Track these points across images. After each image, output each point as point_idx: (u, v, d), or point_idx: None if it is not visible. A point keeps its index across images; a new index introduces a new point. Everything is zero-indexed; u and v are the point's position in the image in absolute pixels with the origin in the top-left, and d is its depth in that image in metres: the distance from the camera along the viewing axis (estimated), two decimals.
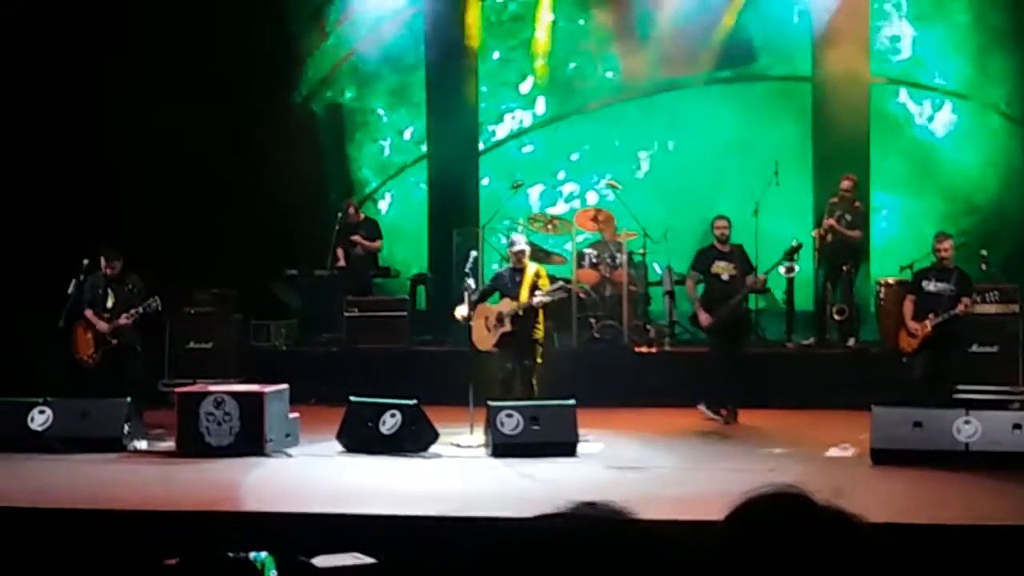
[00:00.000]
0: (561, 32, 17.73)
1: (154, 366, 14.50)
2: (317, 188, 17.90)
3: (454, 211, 17.11)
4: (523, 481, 10.26)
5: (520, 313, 12.21)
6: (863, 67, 16.52)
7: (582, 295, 15.13)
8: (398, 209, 18.29)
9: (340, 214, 16.08)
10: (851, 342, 14.78)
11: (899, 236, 16.16)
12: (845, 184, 14.93)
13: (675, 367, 14.50)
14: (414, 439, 11.35)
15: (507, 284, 12.42)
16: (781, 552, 1.74)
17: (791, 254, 13.59)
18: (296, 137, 17.85)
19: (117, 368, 12.83)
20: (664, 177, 17.32)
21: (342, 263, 15.98)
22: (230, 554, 3.24)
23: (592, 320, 15.12)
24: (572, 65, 17.88)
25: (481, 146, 18.06)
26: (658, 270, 15.64)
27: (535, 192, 17.73)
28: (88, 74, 15.57)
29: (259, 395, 11.52)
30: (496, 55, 18.02)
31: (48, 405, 11.82)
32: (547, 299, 12.18)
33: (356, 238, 15.99)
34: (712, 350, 13.29)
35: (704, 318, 12.99)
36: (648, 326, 15.30)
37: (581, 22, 17.85)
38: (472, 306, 12.26)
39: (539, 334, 12.43)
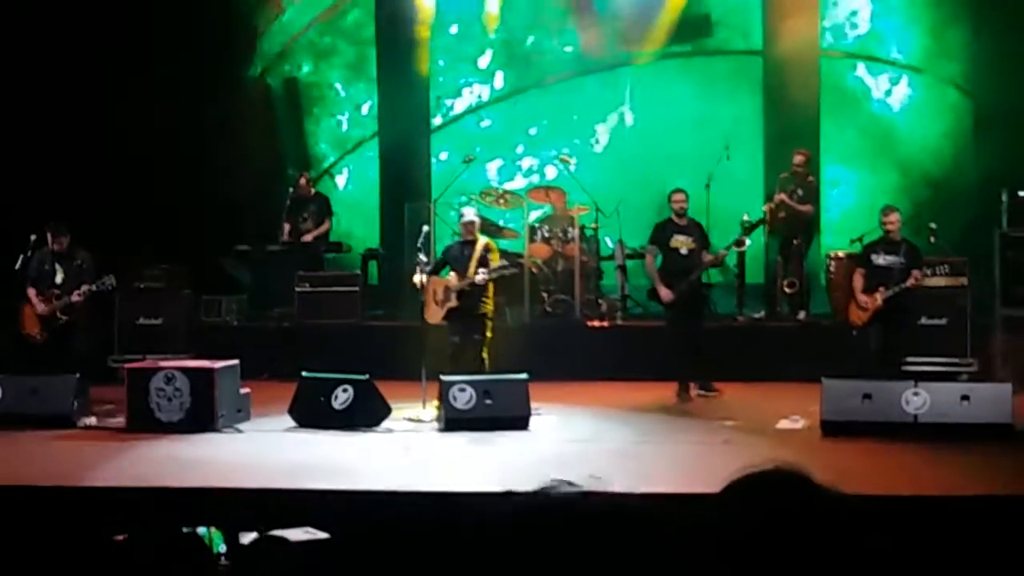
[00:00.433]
0: (519, 6, 17.68)
1: (103, 342, 14.41)
2: (273, 163, 17.81)
3: (406, 186, 17.07)
4: (476, 455, 10.27)
5: (466, 288, 12.19)
6: (813, 41, 16.58)
7: (534, 269, 15.14)
8: (356, 184, 18.25)
9: (291, 188, 16.01)
10: (802, 315, 14.86)
11: (855, 209, 16.23)
12: (797, 159, 15.01)
13: (627, 341, 14.53)
14: (366, 414, 11.34)
15: (457, 257, 12.40)
16: (777, 529, 1.74)
17: (750, 230, 13.61)
18: (252, 112, 17.79)
19: (64, 345, 12.72)
20: (622, 151, 17.37)
21: (286, 237, 15.91)
22: (178, 530, 3.22)
23: (544, 294, 15.14)
24: (530, 39, 17.85)
25: (439, 120, 18.03)
26: (610, 244, 15.66)
27: (493, 167, 17.72)
28: (39, 49, 15.37)
29: (210, 371, 11.45)
30: (454, 29, 17.94)
31: None
32: (489, 277, 12.14)
33: (306, 227, 15.92)
34: (669, 325, 13.17)
35: (665, 294, 12.88)
36: (600, 300, 15.33)
37: None
38: (428, 275, 12.27)
39: (487, 308, 12.42)
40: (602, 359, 14.21)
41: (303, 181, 16.16)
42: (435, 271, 12.42)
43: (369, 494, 8.69)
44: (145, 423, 11.24)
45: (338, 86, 18.38)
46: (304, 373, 11.86)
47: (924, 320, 13.51)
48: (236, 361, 11.93)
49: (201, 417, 11.25)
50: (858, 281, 12.26)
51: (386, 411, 11.40)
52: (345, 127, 18.40)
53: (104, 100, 15.46)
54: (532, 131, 17.90)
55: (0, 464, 9.94)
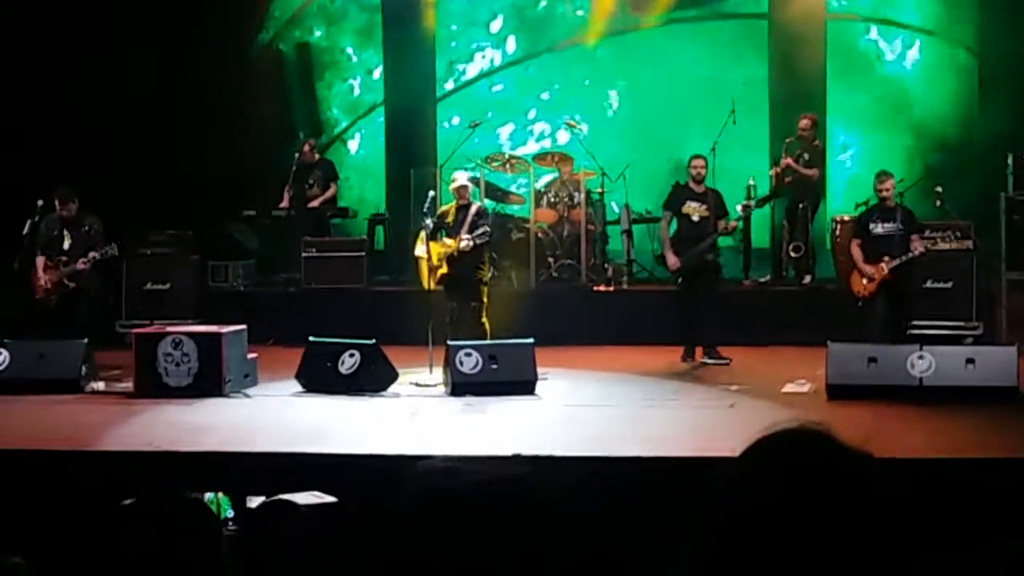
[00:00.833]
0: None
1: (111, 307, 14.43)
2: (284, 128, 17.78)
3: (413, 151, 17.04)
4: (482, 419, 10.28)
5: (455, 254, 12.15)
6: (819, 4, 16.50)
7: (540, 234, 15.12)
8: (367, 148, 18.23)
9: (297, 154, 15.99)
10: (807, 279, 14.84)
11: (864, 174, 16.15)
12: (804, 123, 14.94)
13: (633, 306, 14.55)
14: (373, 379, 11.33)
15: (448, 224, 12.35)
16: (801, 487, 1.73)
17: (761, 203, 13.58)
18: (263, 77, 17.77)
19: (71, 311, 12.73)
20: (634, 115, 17.33)
21: (284, 204, 15.89)
22: (185, 495, 3.21)
23: (550, 259, 15.11)
24: (542, 4, 17.78)
25: (451, 85, 17.97)
26: (616, 209, 15.62)
27: (505, 131, 17.69)
28: (48, 15, 15.32)
29: (217, 336, 11.46)
30: None
31: (5, 347, 11.74)
32: (471, 243, 12.08)
33: (312, 194, 15.90)
34: (678, 290, 13.09)
35: (672, 261, 12.77)
36: (606, 265, 15.31)
37: None
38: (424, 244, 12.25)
39: (483, 274, 12.42)
40: (608, 324, 14.22)
41: (306, 148, 16.12)
42: (431, 237, 12.37)
43: (376, 458, 8.69)
44: (153, 388, 11.25)
45: (350, 51, 18.33)
46: (311, 338, 11.86)
47: (930, 283, 13.49)
48: (243, 326, 11.93)
49: (209, 382, 11.26)
50: (857, 252, 12.09)
51: (393, 376, 11.41)
52: (357, 92, 18.36)
53: (113, 66, 15.43)
54: (544, 96, 17.85)
55: (9, 429, 9.96)
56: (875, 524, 1.71)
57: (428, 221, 12.25)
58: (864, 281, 11.96)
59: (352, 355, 11.45)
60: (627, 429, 9.71)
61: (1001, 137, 14.45)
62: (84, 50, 15.28)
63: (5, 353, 11.69)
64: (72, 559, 2.96)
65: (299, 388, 11.55)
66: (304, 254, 15.30)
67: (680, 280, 12.97)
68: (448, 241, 12.21)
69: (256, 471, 8.39)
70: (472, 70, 18.08)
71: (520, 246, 15.12)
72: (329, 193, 16.09)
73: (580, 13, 17.62)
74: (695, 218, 12.78)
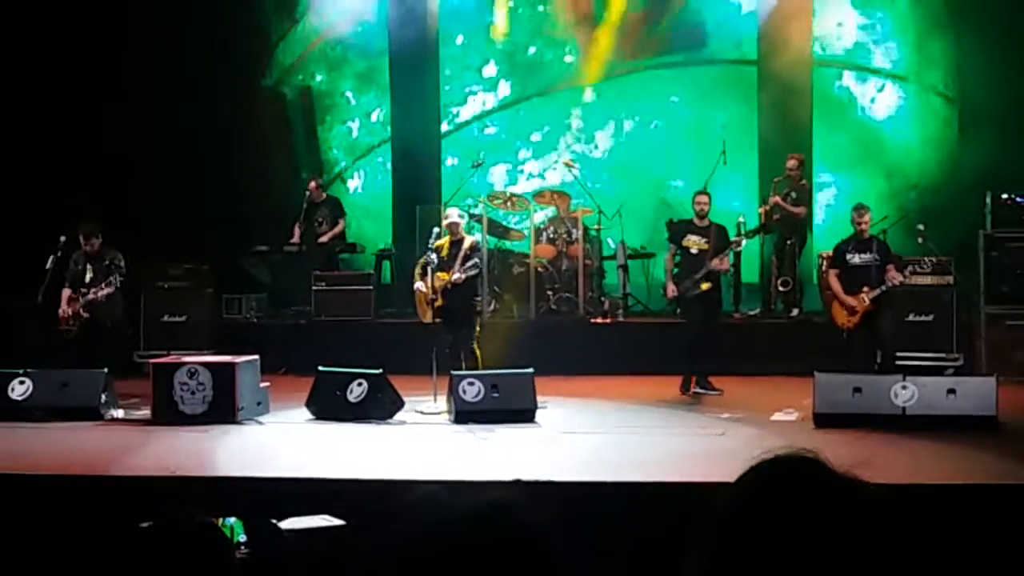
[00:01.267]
0: (522, 18, 17.70)
1: (129, 338, 14.43)
2: (289, 168, 17.83)
3: (418, 189, 17.08)
4: (484, 446, 10.25)
5: (448, 287, 12.14)
6: (806, 52, 16.57)
7: (540, 269, 15.14)
8: (367, 187, 18.28)
9: (306, 192, 16.05)
10: (795, 312, 14.84)
11: (845, 212, 16.17)
12: (791, 163, 15.00)
13: (628, 337, 14.55)
14: (380, 407, 11.31)
15: (443, 258, 12.31)
16: (793, 514, 1.71)
17: (751, 235, 13.58)
18: (268, 119, 17.83)
19: (90, 341, 12.70)
20: (622, 156, 17.37)
21: (295, 239, 15.92)
22: (200, 519, 3.19)
23: (549, 292, 15.13)
24: (533, 49, 17.84)
25: (446, 127, 18.02)
26: (612, 245, 15.64)
27: (498, 171, 17.71)
28: (68, 62, 15.40)
29: (231, 365, 11.44)
30: (460, 39, 17.96)
31: (28, 376, 11.72)
32: (463, 276, 12.08)
33: (322, 230, 15.93)
34: (679, 322, 13.00)
35: (670, 290, 12.67)
36: (603, 298, 15.32)
37: (541, 8, 17.79)
38: (424, 279, 12.23)
39: (476, 305, 12.47)
40: (604, 354, 14.22)
41: (313, 185, 16.17)
42: (424, 271, 12.33)
43: (383, 483, 8.66)
44: (169, 415, 11.23)
45: (349, 94, 18.39)
46: (321, 368, 11.84)
47: (912, 316, 13.51)
48: (256, 356, 11.92)
49: (222, 409, 11.24)
50: (835, 283, 12.04)
51: (399, 404, 11.38)
52: (355, 134, 18.42)
53: (131, 108, 15.47)
54: (535, 137, 17.89)
55: (31, 454, 9.94)
56: (867, 546, 1.70)
57: (433, 256, 12.25)
58: (846, 314, 11.92)
59: (360, 384, 11.43)
60: (623, 455, 9.68)
61: (979, 177, 14.46)
62: (109, 99, 15.33)
63: (28, 382, 11.67)
64: None
65: (309, 415, 11.53)
66: (314, 287, 15.33)
67: (678, 311, 12.92)
68: (441, 275, 12.19)
69: (268, 495, 8.37)
70: (466, 112, 18.14)
71: (520, 280, 15.14)
72: (337, 229, 16.13)
73: (569, 59, 17.69)
74: (694, 251, 12.66)
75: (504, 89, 18.03)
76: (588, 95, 17.65)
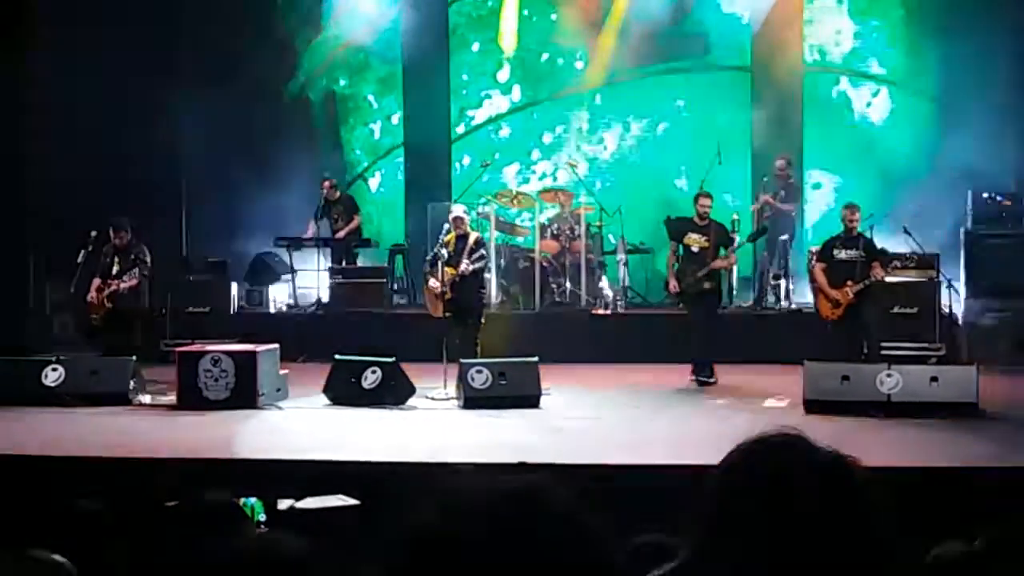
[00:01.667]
0: (534, 26, 17.73)
1: (156, 328, 14.46)
2: (312, 167, 17.84)
3: (430, 188, 17.09)
4: (491, 430, 10.25)
5: (457, 280, 12.11)
6: (797, 58, 16.55)
7: (544, 263, 15.15)
8: (386, 186, 18.31)
9: (322, 191, 16.08)
10: (786, 304, 14.83)
11: (836, 210, 16.15)
12: (779, 163, 15.06)
13: (628, 328, 14.56)
14: (393, 393, 11.32)
15: (450, 252, 12.25)
16: (780, 491, 1.72)
17: (754, 237, 13.59)
18: (294, 121, 17.89)
19: (115, 331, 12.69)
20: (625, 156, 17.38)
21: (309, 235, 15.93)
22: (222, 498, 3.21)
23: (554, 286, 15.14)
24: (545, 56, 17.86)
25: (462, 129, 18.05)
26: (613, 240, 15.64)
27: (511, 171, 17.72)
28: (115, 66, 15.38)
29: (252, 354, 11.46)
30: (476, 46, 17.99)
31: (60, 363, 11.74)
32: (470, 267, 12.03)
33: (338, 227, 15.95)
34: (687, 316, 12.85)
35: (672, 286, 12.56)
36: (604, 291, 15.32)
37: (553, 17, 17.79)
38: (434, 274, 12.19)
39: (483, 297, 12.46)
40: (605, 344, 14.23)
41: (327, 185, 16.18)
42: (433, 265, 12.28)
43: (395, 465, 8.68)
44: (194, 401, 11.25)
45: (371, 98, 18.42)
46: (337, 356, 11.85)
47: (897, 309, 13.50)
48: (276, 345, 11.94)
49: (244, 396, 11.26)
50: (821, 276, 12.00)
51: (411, 390, 11.39)
52: (377, 135, 18.44)
53: (168, 112, 15.48)
54: (546, 138, 17.90)
55: (63, 438, 9.97)
56: (850, 510, 1.70)
57: (444, 251, 12.24)
58: (830, 306, 11.90)
59: (374, 371, 11.44)
60: (621, 439, 9.69)
61: (961, 178, 14.45)
62: (145, 99, 15.33)
63: (61, 369, 11.69)
64: (119, 555, 2.95)
65: (326, 401, 11.54)
66: (331, 280, 15.35)
67: (680, 304, 12.88)
68: (449, 270, 12.15)
69: (286, 476, 8.38)
70: (481, 115, 18.14)
71: (526, 273, 15.15)
72: (353, 225, 16.15)
73: (579, 65, 17.70)
74: (695, 249, 12.54)
75: (517, 93, 18.05)
76: (597, 99, 17.65)
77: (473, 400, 11.12)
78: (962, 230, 13.97)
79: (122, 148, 15.52)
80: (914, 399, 10.41)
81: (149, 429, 10.40)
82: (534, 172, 17.85)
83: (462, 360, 11.44)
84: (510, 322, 14.04)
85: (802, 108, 16.50)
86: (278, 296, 16.07)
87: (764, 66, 16.50)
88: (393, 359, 11.50)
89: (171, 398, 11.59)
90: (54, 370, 11.69)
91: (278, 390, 11.64)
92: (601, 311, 14.90)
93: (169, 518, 2.94)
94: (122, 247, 12.82)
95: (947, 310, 13.70)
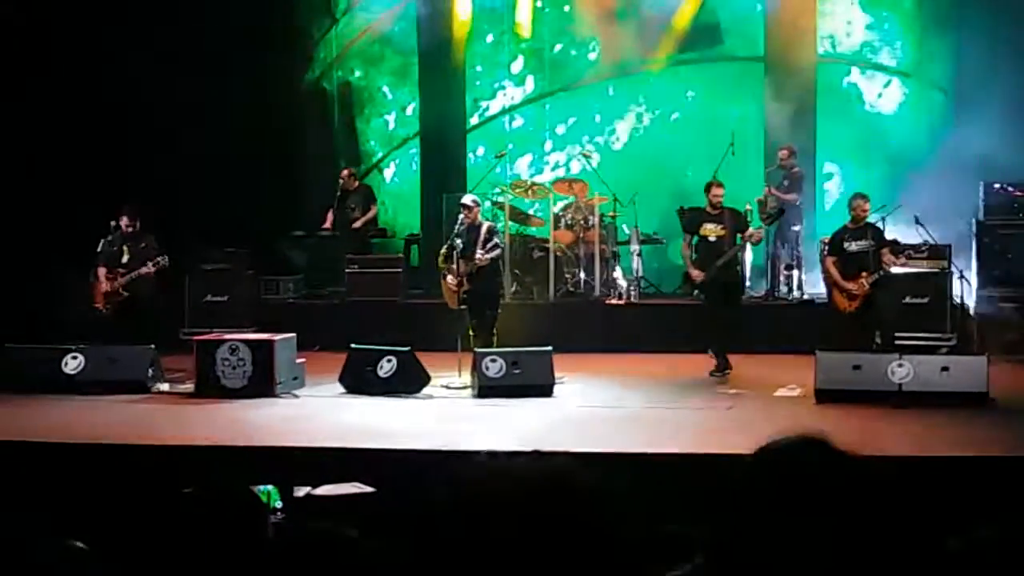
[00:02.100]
0: (548, 17, 17.69)
1: (175, 317, 14.49)
2: (328, 158, 17.86)
3: (445, 178, 17.07)
4: (505, 419, 10.26)
5: (473, 271, 12.06)
6: (811, 49, 16.48)
7: (559, 253, 15.13)
8: (401, 176, 18.30)
9: (340, 181, 16.09)
10: (798, 294, 14.80)
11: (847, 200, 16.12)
12: (782, 153, 15.11)
13: (641, 318, 14.53)
14: (408, 382, 11.34)
15: (463, 243, 12.17)
16: (802, 492, 1.72)
17: (772, 220, 13.57)
18: (310, 112, 17.93)
19: (126, 319, 12.66)
20: (640, 146, 17.33)
21: (327, 225, 15.94)
22: (239, 485, 3.21)
23: (568, 275, 15.13)
24: (558, 47, 17.83)
25: (476, 120, 18.03)
26: (626, 231, 15.61)
27: (524, 161, 17.70)
28: (133, 58, 15.38)
29: (269, 342, 11.48)
30: (490, 38, 17.95)
31: (80, 352, 11.79)
32: (487, 257, 11.98)
33: (354, 216, 15.95)
34: (704, 305, 12.71)
35: (696, 274, 12.36)
36: (617, 281, 15.29)
37: (566, 8, 17.74)
38: (450, 268, 12.15)
39: (499, 288, 12.44)
40: (618, 333, 14.21)
41: (345, 174, 16.20)
42: (449, 256, 12.23)
43: (410, 452, 8.69)
44: (212, 389, 11.29)
45: (386, 89, 18.41)
46: (353, 345, 11.87)
47: (908, 299, 13.46)
48: (292, 334, 11.97)
49: (261, 384, 11.29)
50: (833, 270, 11.90)
51: (426, 379, 11.41)
52: (392, 126, 18.44)
53: (184, 103, 15.49)
54: (559, 129, 17.87)
55: (83, 425, 10.01)
56: (867, 514, 1.70)
57: (458, 241, 12.22)
58: (846, 298, 11.84)
59: (389, 360, 11.45)
60: (635, 428, 9.69)
61: (973, 168, 14.39)
62: (160, 89, 15.34)
63: (81, 357, 11.73)
64: (135, 541, 2.95)
65: (342, 390, 11.56)
66: (347, 270, 15.37)
67: (699, 294, 12.64)
68: (462, 262, 12.06)
69: (302, 464, 8.40)
70: (495, 106, 18.12)
71: (540, 264, 15.14)
72: (370, 214, 16.17)
73: (592, 56, 17.66)
74: (712, 238, 12.39)
75: (531, 84, 18.02)
76: (610, 90, 17.60)
77: (487, 389, 11.13)
78: (974, 220, 13.91)
79: (144, 138, 15.55)
80: (925, 389, 10.38)
81: (167, 416, 10.45)
82: (547, 163, 17.83)
83: (476, 349, 11.45)
84: (524, 312, 14.01)
85: (815, 99, 16.42)
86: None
87: (777, 57, 16.44)
88: (408, 348, 11.51)
89: (189, 386, 11.63)
90: (74, 358, 11.74)
91: (295, 379, 11.66)
92: (615, 301, 14.88)
93: (186, 504, 2.94)
94: (130, 235, 12.77)
95: (959, 300, 13.65)
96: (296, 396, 11.38)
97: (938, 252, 13.64)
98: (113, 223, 12.84)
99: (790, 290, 14.89)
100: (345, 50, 18.27)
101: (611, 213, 15.44)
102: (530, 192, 15.66)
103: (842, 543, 1.69)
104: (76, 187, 14.84)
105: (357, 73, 18.42)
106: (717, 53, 17.18)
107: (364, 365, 11.56)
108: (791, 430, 1.87)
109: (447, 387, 11.53)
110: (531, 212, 15.98)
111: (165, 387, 11.79)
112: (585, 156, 16.13)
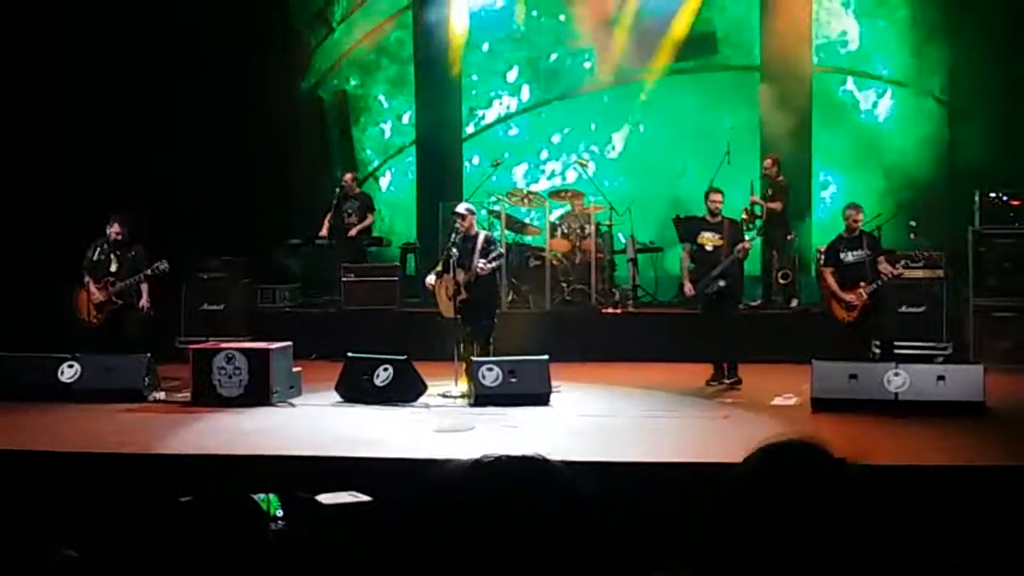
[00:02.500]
0: (544, 27, 17.72)
1: (171, 326, 14.47)
2: (323, 166, 17.86)
3: (441, 187, 17.10)
4: (502, 427, 10.25)
5: (472, 280, 12.01)
6: (805, 58, 16.52)
7: (555, 262, 15.14)
8: (396, 185, 18.33)
9: (340, 187, 16.05)
10: (794, 303, 14.82)
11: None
12: (767, 163, 15.22)
13: (637, 326, 14.55)
14: (405, 390, 11.34)
15: (460, 253, 12.02)
16: (794, 496, 1.73)
17: (758, 226, 13.63)
18: (305, 120, 17.94)
19: (118, 328, 12.59)
20: (634, 156, 17.35)
21: (323, 232, 15.91)
22: (237, 493, 3.21)
23: (564, 284, 15.14)
24: (554, 56, 17.86)
25: (472, 128, 18.05)
26: (623, 239, 15.63)
27: (520, 170, 17.72)
28: (128, 70, 15.37)
29: (265, 351, 11.48)
30: (485, 47, 17.98)
31: (76, 360, 11.78)
32: (489, 266, 11.88)
33: (350, 222, 15.93)
34: (701, 314, 12.70)
35: (687, 289, 12.41)
36: (613, 290, 15.31)
37: (562, 18, 17.78)
38: (438, 276, 12.11)
39: (495, 298, 12.41)
40: (615, 342, 14.22)
41: (348, 178, 16.20)
42: (444, 269, 12.08)
43: (407, 461, 8.68)
44: (208, 398, 11.28)
45: (381, 98, 18.43)
46: (349, 354, 11.86)
47: (904, 308, 13.49)
48: (289, 343, 11.95)
49: (258, 392, 11.28)
50: (831, 281, 11.89)
51: (422, 388, 11.41)
52: (388, 135, 18.45)
53: (180, 112, 15.48)
54: (555, 138, 17.89)
55: (79, 433, 9.99)
56: (857, 519, 1.70)
57: (455, 251, 12.18)
58: (844, 309, 11.84)
59: (386, 369, 11.45)
60: (632, 437, 9.68)
61: (968, 177, 14.41)
62: (156, 99, 15.34)
63: (77, 366, 11.73)
64: (132, 551, 2.96)
65: (338, 398, 11.56)
66: (343, 278, 15.37)
67: (701, 304, 12.61)
68: (459, 272, 11.87)
69: (299, 472, 8.39)
70: (490, 115, 18.14)
71: (537, 272, 15.15)
72: (366, 223, 16.13)
73: (587, 65, 17.69)
74: (709, 248, 12.38)
75: (526, 93, 18.05)
76: (605, 99, 17.63)
77: (484, 397, 11.13)
78: (970, 229, 13.94)
79: (133, 142, 15.53)
80: (921, 398, 10.39)
81: (163, 425, 10.42)
82: (543, 172, 17.85)
83: (473, 358, 11.45)
84: (520, 320, 14.02)
85: (811, 108, 16.46)
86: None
87: (773, 66, 16.48)
88: (405, 357, 11.51)
89: (185, 395, 11.62)
90: (70, 367, 11.74)
91: (291, 387, 11.66)
92: (611, 310, 14.89)
93: (183, 513, 2.94)
94: (118, 243, 12.67)
95: (954, 309, 13.66)
96: (292, 405, 11.37)
97: (934, 261, 13.67)
98: (106, 232, 12.75)
99: (786, 299, 14.92)
100: (341, 59, 18.29)
101: (607, 222, 15.46)
102: (526, 201, 15.68)
103: (833, 548, 1.70)
104: (72, 195, 14.82)
105: (353, 82, 18.45)
106: (713, 62, 17.22)
107: (360, 374, 11.56)
108: (783, 436, 1.88)
109: (444, 396, 11.53)
110: (527, 221, 16.01)
111: (161, 396, 11.77)
112: (581, 165, 16.17)
